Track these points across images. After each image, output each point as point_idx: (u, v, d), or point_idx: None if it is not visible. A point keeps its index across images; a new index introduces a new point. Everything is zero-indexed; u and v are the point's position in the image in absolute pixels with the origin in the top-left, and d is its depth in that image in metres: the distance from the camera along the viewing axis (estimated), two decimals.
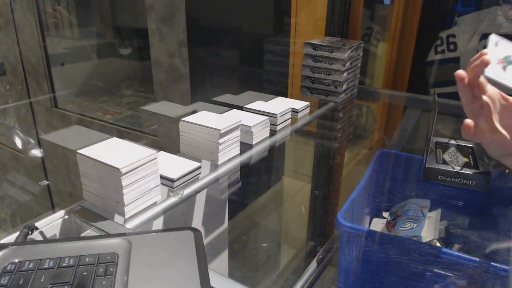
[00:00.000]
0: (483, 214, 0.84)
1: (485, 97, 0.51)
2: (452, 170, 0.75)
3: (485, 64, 0.48)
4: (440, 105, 0.71)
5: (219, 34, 1.49)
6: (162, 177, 0.60)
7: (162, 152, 0.67)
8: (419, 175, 0.85)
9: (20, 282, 0.36)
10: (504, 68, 0.49)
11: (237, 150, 0.74)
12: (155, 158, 0.56)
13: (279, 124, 0.87)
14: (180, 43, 1.36)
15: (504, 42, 0.50)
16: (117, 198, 0.53)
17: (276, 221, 1.35)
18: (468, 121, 0.52)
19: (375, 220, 0.91)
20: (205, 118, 0.72)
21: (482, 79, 0.51)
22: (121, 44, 2.24)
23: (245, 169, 0.74)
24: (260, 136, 0.80)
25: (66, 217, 0.54)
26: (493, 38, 0.50)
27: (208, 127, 0.69)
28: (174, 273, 0.39)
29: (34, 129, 2.07)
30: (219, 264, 0.89)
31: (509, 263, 0.58)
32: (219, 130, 0.68)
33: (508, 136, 0.51)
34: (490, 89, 0.52)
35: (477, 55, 0.50)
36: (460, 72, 0.51)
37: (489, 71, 0.48)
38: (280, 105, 0.91)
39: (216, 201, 0.83)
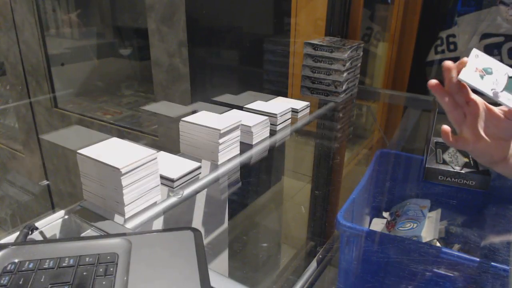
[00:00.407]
0: (483, 214, 0.84)
1: (469, 105, 0.51)
2: (452, 170, 0.75)
3: (447, 68, 0.49)
4: (440, 105, 0.71)
5: (219, 34, 1.49)
6: (162, 177, 0.60)
7: (162, 152, 0.67)
8: (419, 175, 0.86)
9: (20, 282, 0.36)
10: (482, 77, 0.49)
11: (237, 150, 0.74)
12: (155, 158, 0.56)
13: (279, 124, 0.87)
14: (180, 43, 1.36)
15: (485, 56, 0.52)
16: (117, 198, 0.53)
17: (276, 221, 1.35)
18: (445, 127, 0.52)
19: (375, 220, 0.91)
20: (205, 118, 0.72)
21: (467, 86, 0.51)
22: (121, 44, 2.24)
23: (245, 169, 0.74)
24: (260, 136, 0.80)
25: (66, 217, 0.54)
26: (474, 51, 0.51)
27: (208, 127, 0.69)
28: (174, 273, 0.39)
29: (34, 129, 2.07)
30: (219, 264, 0.89)
31: (509, 263, 0.58)
32: (219, 130, 0.68)
33: (490, 145, 0.50)
34: (476, 97, 0.51)
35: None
36: (431, 81, 0.51)
37: (463, 75, 0.49)
38: (280, 105, 0.91)
39: (216, 201, 0.83)
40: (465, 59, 0.50)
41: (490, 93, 0.49)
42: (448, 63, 0.50)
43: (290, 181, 1.39)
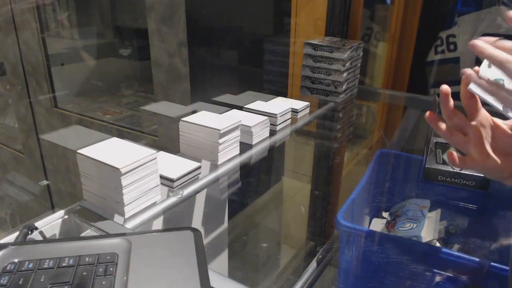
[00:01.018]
0: (483, 214, 0.84)
1: (474, 123, 0.50)
2: (452, 170, 0.75)
3: (445, 93, 0.49)
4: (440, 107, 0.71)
5: (219, 34, 1.49)
6: (162, 177, 0.60)
7: (162, 152, 0.67)
8: (419, 175, 0.86)
9: (20, 282, 0.36)
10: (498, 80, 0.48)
11: (237, 150, 0.74)
12: (155, 158, 0.56)
13: (279, 124, 0.87)
14: (180, 43, 1.36)
15: None
16: (117, 198, 0.53)
17: (276, 221, 1.35)
18: (450, 152, 0.52)
19: (375, 220, 0.91)
20: (205, 118, 0.72)
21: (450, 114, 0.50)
22: (121, 44, 2.24)
23: (245, 169, 0.74)
24: (260, 136, 0.80)
25: (66, 217, 0.54)
26: (487, 61, 0.50)
27: (208, 127, 0.69)
28: (174, 273, 0.39)
29: (34, 129, 2.07)
30: (219, 264, 0.89)
31: (509, 263, 0.58)
32: (219, 130, 0.68)
33: (499, 161, 0.49)
34: (482, 114, 0.50)
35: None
36: (426, 114, 0.51)
37: (474, 86, 0.47)
38: (280, 105, 0.91)
39: (216, 201, 0.83)
40: (476, 68, 0.49)
41: (499, 107, 0.47)
42: (445, 88, 0.49)
43: (290, 181, 1.39)
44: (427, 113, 0.52)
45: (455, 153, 0.52)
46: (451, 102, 0.51)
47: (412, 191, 0.90)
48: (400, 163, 0.91)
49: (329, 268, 0.77)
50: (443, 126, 0.52)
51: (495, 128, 0.50)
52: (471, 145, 0.50)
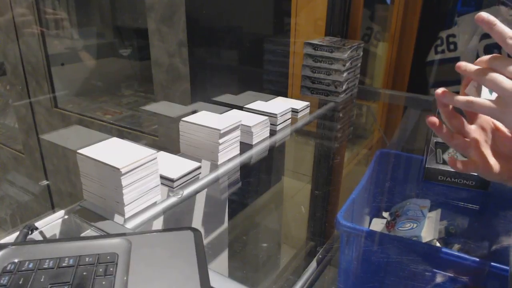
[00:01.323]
0: (483, 214, 0.84)
1: (474, 126, 0.50)
2: (452, 170, 0.75)
3: (439, 95, 0.48)
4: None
5: (219, 34, 1.49)
6: (162, 177, 0.60)
7: (162, 152, 0.67)
8: (419, 175, 0.86)
9: (20, 282, 0.36)
10: (491, 92, 0.48)
11: (237, 150, 0.74)
12: (155, 158, 0.56)
13: (279, 124, 0.87)
14: (180, 43, 1.36)
15: None
16: (117, 198, 0.53)
17: (276, 221, 1.35)
18: (450, 157, 0.51)
19: (375, 220, 0.91)
20: (205, 118, 0.72)
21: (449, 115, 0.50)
22: (121, 44, 2.24)
23: (245, 169, 0.74)
24: (260, 136, 0.80)
25: (66, 217, 0.54)
26: None
27: (208, 127, 0.69)
28: (174, 273, 0.39)
29: (34, 129, 2.07)
30: (219, 264, 0.89)
31: (509, 263, 0.58)
32: (219, 130, 0.68)
33: (499, 164, 0.49)
34: (482, 117, 0.50)
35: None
36: (429, 118, 0.51)
37: (472, 90, 0.48)
38: (280, 105, 0.91)
39: (216, 201, 0.83)
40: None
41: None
42: (439, 92, 0.49)
43: (290, 181, 1.39)
44: (429, 118, 0.52)
45: (455, 157, 0.52)
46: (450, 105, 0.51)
47: (412, 191, 0.90)
48: (400, 163, 0.91)
49: (329, 268, 0.77)
50: (443, 129, 0.51)
51: (495, 131, 0.50)
52: (471, 148, 0.50)
